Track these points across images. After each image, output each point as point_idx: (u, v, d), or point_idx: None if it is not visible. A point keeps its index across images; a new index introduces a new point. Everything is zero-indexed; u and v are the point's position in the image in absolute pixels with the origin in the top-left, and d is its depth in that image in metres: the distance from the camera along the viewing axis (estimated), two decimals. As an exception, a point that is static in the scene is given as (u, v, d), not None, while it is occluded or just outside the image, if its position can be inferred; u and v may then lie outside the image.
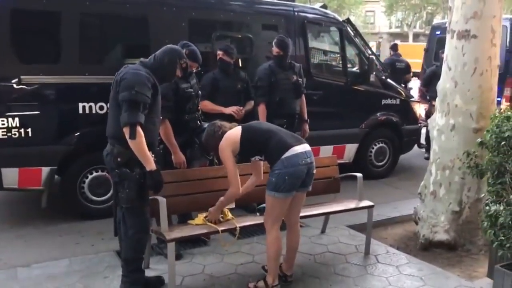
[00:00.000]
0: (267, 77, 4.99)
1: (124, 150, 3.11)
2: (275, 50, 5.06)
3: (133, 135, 3.01)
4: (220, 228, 3.51)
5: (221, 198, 3.52)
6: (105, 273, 3.69)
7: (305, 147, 3.36)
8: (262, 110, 5.00)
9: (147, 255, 3.77)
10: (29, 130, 4.57)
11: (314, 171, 3.43)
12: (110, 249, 4.07)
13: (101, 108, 4.83)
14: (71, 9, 4.71)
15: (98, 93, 4.82)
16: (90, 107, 4.80)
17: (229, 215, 3.69)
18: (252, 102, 5.10)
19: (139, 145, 3.05)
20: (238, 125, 3.52)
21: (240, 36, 5.74)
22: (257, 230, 4.48)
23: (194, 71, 4.31)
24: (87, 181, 4.95)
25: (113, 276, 3.59)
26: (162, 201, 3.36)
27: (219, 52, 4.94)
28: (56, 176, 4.85)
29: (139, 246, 3.28)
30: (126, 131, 3.03)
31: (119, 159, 3.13)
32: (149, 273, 3.63)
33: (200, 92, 4.39)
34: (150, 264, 3.81)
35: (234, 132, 3.39)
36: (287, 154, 3.25)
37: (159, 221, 3.41)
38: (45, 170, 4.70)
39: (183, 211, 4.01)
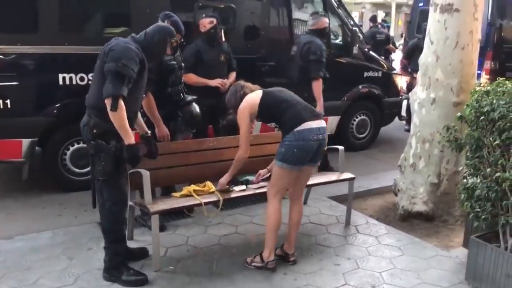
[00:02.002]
0: (324, 52, 5.25)
1: (101, 122, 3.09)
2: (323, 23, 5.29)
3: (114, 107, 2.96)
4: (203, 200, 3.54)
5: (233, 165, 3.54)
6: (89, 245, 3.71)
7: (320, 123, 3.37)
8: (319, 85, 5.18)
9: (131, 227, 3.80)
10: (8, 101, 4.49)
11: (325, 148, 3.46)
12: (93, 220, 4.07)
13: (82, 79, 4.76)
14: None
15: (79, 63, 4.74)
16: (71, 78, 4.73)
17: (212, 187, 3.71)
18: (235, 74, 5.06)
19: (120, 117, 3.01)
20: (261, 88, 3.52)
21: (222, 6, 5.65)
22: (240, 202, 4.55)
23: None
24: (68, 152, 4.91)
25: (97, 247, 3.61)
26: (146, 174, 3.37)
27: (204, 21, 4.84)
28: (37, 148, 4.80)
29: (117, 217, 3.26)
30: (108, 102, 2.99)
31: (95, 131, 3.09)
32: (133, 244, 3.67)
33: (183, 64, 4.33)
34: (134, 236, 3.85)
35: (254, 96, 3.42)
36: (300, 127, 3.27)
37: (143, 193, 3.43)
38: (26, 142, 4.64)
39: (167, 184, 4.02)
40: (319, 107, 5.15)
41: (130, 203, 3.63)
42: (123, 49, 3.06)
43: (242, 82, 3.58)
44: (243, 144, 3.45)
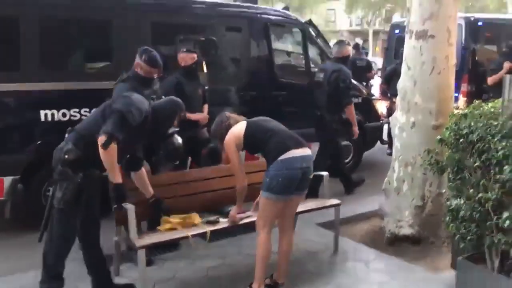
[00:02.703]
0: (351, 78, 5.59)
1: (75, 150, 3.08)
2: (347, 51, 5.69)
3: (106, 146, 3.00)
4: (190, 233, 3.51)
5: (237, 197, 3.58)
6: (75, 284, 3.62)
7: (304, 151, 3.39)
8: (352, 109, 5.59)
9: (117, 263, 3.74)
10: (-11, 139, 4.45)
11: (311, 176, 3.47)
12: (78, 258, 3.99)
13: (64, 115, 4.74)
14: (30, 14, 4.59)
15: (61, 99, 4.73)
16: (53, 114, 4.71)
17: (198, 219, 3.69)
18: (207, 106, 5.09)
19: (110, 156, 3.05)
20: (245, 119, 3.57)
21: (203, 39, 5.73)
22: (228, 233, 4.51)
23: (156, 77, 4.27)
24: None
25: (83, 286, 3.53)
26: (131, 208, 3.34)
27: (186, 56, 4.86)
28: (19, 185, 4.74)
29: (61, 251, 3.19)
30: (102, 139, 3.01)
31: (66, 156, 3.07)
32: (120, 280, 3.61)
33: (163, 97, 4.34)
34: (120, 271, 3.78)
35: (239, 127, 3.46)
36: (285, 156, 3.28)
37: (128, 228, 3.39)
38: (7, 180, 4.58)
39: (152, 217, 3.98)
40: (355, 129, 5.72)
41: (115, 238, 3.59)
42: (136, 98, 3.18)
43: (227, 113, 3.62)
44: (238, 174, 3.47)
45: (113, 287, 3.47)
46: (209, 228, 3.58)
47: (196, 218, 3.70)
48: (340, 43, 6.03)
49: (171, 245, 4.18)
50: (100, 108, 3.31)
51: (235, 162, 3.44)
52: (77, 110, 4.83)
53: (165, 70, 4.40)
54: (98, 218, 3.40)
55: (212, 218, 3.76)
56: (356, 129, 5.78)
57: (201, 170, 4.18)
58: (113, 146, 3.03)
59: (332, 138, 5.82)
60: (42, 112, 4.68)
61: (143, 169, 3.50)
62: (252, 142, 3.45)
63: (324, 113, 5.70)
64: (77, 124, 3.35)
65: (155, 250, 4.14)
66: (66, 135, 3.23)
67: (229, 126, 3.50)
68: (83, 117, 4.76)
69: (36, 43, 4.62)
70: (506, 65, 6.97)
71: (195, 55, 4.88)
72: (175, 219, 3.63)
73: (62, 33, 4.97)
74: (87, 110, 4.84)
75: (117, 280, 3.57)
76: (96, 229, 3.41)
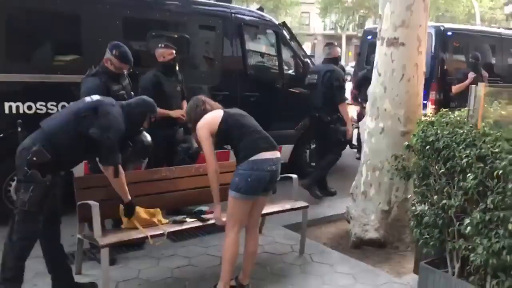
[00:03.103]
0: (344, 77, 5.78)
1: (44, 154, 2.98)
2: (337, 52, 6.02)
3: (117, 175, 3.23)
4: (149, 234, 3.45)
5: (211, 185, 3.38)
6: (34, 281, 3.53)
7: (274, 154, 3.38)
8: (345, 108, 5.73)
9: (79, 261, 3.66)
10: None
11: (278, 178, 3.46)
12: (38, 255, 3.88)
13: (29, 108, 4.61)
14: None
15: (26, 92, 4.60)
16: (17, 107, 4.57)
17: (161, 218, 3.65)
18: (185, 103, 5.04)
19: (121, 182, 3.32)
20: (221, 107, 3.51)
21: (176, 36, 5.67)
22: (193, 233, 4.48)
23: (126, 72, 4.21)
24: (14, 184, 4.70)
25: (43, 283, 3.44)
26: (95, 205, 3.28)
27: (165, 52, 4.78)
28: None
29: (22, 253, 3.08)
30: (110, 171, 3.21)
31: (34, 158, 2.97)
32: (82, 279, 3.53)
33: (133, 93, 4.28)
34: (82, 270, 3.69)
35: (215, 115, 3.40)
36: (255, 157, 3.26)
37: (92, 226, 3.32)
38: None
39: (117, 216, 3.90)
40: (349, 128, 5.82)
41: (78, 236, 3.52)
42: (114, 121, 3.16)
43: (202, 97, 3.56)
44: (209, 159, 3.35)
45: (74, 285, 3.38)
46: (169, 229, 3.55)
47: (159, 215, 3.65)
48: (330, 45, 6.19)
49: (136, 244, 4.12)
50: (72, 110, 3.23)
51: (207, 147, 3.34)
52: (43, 103, 4.70)
53: (136, 66, 4.36)
54: (60, 215, 3.32)
55: (179, 217, 3.72)
56: (350, 128, 5.90)
57: (170, 169, 4.12)
58: (121, 171, 3.27)
59: (333, 139, 5.89)
60: (6, 104, 4.54)
61: (122, 174, 3.34)
62: (225, 135, 3.39)
63: (322, 114, 5.76)
64: (43, 121, 3.23)
65: (119, 249, 4.07)
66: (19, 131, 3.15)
67: (205, 111, 3.43)
68: (49, 111, 4.65)
69: (2, 34, 4.48)
70: (471, 75, 7.16)
71: (174, 51, 4.82)
72: (141, 215, 3.57)
73: (30, 25, 4.81)
74: (54, 103, 4.73)
75: (79, 278, 3.49)
76: (57, 226, 3.33)
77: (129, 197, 3.43)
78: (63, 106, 4.72)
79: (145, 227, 3.53)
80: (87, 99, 3.30)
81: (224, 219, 3.43)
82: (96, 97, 3.31)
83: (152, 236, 3.45)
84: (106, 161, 3.23)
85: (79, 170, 4.26)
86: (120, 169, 3.26)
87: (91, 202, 3.27)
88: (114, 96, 3.95)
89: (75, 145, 3.10)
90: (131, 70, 4.26)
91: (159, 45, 4.85)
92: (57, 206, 3.26)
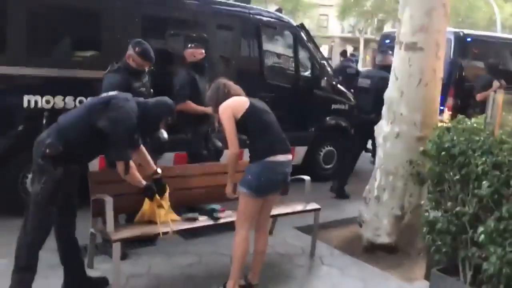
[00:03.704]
0: None
1: (57, 146, 3.03)
2: (390, 60, 5.64)
3: (127, 171, 3.19)
4: (161, 230, 3.47)
5: (229, 166, 3.44)
6: (46, 273, 3.56)
7: (288, 157, 3.42)
8: None
9: (91, 255, 3.70)
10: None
11: (289, 180, 3.48)
12: (50, 247, 3.93)
13: (48, 102, 4.67)
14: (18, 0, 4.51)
15: (45, 86, 4.67)
16: (36, 101, 4.64)
17: (172, 215, 3.66)
18: None
19: (133, 176, 3.30)
20: (244, 94, 3.51)
21: (194, 35, 5.69)
22: (205, 231, 4.49)
23: (147, 70, 4.25)
24: (30, 175, 4.77)
25: (54, 275, 3.48)
26: (109, 200, 3.31)
27: (196, 51, 4.82)
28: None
29: (34, 243, 3.13)
30: (121, 166, 3.17)
31: (47, 151, 3.02)
32: (93, 273, 3.57)
33: (151, 90, 4.31)
34: (94, 263, 3.73)
35: (241, 102, 3.39)
36: (271, 158, 3.28)
37: (105, 220, 3.35)
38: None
39: (131, 210, 3.94)
40: None
41: (91, 230, 3.55)
42: (125, 115, 3.12)
43: (224, 80, 3.55)
44: (231, 141, 3.33)
45: (85, 279, 3.43)
46: (181, 226, 3.58)
47: (173, 215, 3.67)
48: (383, 52, 6.35)
49: (148, 240, 4.15)
50: (86, 105, 3.29)
51: (230, 128, 3.31)
52: (61, 97, 4.77)
53: (155, 64, 4.40)
54: (75, 209, 3.36)
55: (191, 215, 3.74)
56: None
57: (183, 167, 4.15)
58: (132, 166, 3.24)
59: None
60: (26, 98, 4.61)
61: (142, 147, 3.47)
62: (245, 126, 3.36)
63: (374, 118, 5.79)
64: (60, 115, 3.29)
65: (131, 244, 4.11)
66: (44, 123, 3.20)
67: (228, 94, 3.41)
68: (66, 107, 4.71)
69: (23, 28, 4.55)
70: (496, 83, 7.05)
71: (203, 50, 4.85)
72: (163, 204, 3.59)
73: (51, 21, 4.86)
74: (72, 98, 4.79)
75: (90, 272, 3.52)
76: (73, 220, 3.37)
77: (144, 182, 3.40)
78: (80, 101, 4.78)
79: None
80: (103, 94, 3.34)
81: (235, 195, 3.48)
82: (112, 93, 3.33)
83: (164, 233, 3.48)
84: (115, 156, 3.19)
85: (94, 164, 4.30)
86: (131, 164, 3.23)
87: (105, 197, 3.31)
88: (135, 93, 3.98)
89: (88, 139, 3.13)
90: (152, 68, 4.30)
91: (189, 45, 4.88)
92: (73, 199, 3.31)
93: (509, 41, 9.43)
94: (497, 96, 3.26)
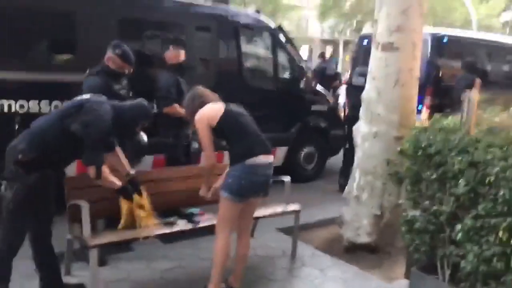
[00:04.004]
0: None
1: (30, 151, 2.96)
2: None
3: (99, 175, 3.09)
4: (140, 235, 3.44)
5: (204, 174, 3.52)
6: (21, 281, 3.49)
7: (269, 158, 3.39)
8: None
9: (69, 261, 3.63)
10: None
11: (271, 182, 3.45)
12: (26, 255, 3.85)
13: (22, 106, 4.58)
14: None
15: (19, 90, 4.57)
16: (10, 105, 4.54)
17: (152, 219, 3.62)
18: None
19: (105, 179, 3.19)
20: (220, 100, 3.48)
21: (172, 37, 5.65)
22: (185, 235, 4.45)
23: (127, 72, 4.21)
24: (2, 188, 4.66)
25: (29, 285, 3.40)
26: (85, 205, 3.25)
27: (178, 53, 4.79)
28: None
29: (8, 252, 3.06)
30: (92, 171, 3.07)
31: (20, 156, 2.95)
32: (70, 280, 3.50)
33: (131, 93, 4.28)
34: (73, 270, 3.66)
35: (216, 109, 3.36)
36: (251, 161, 3.25)
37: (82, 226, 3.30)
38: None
39: (108, 215, 3.88)
40: None
41: (68, 236, 3.49)
42: (98, 118, 3.05)
43: (200, 88, 3.53)
44: (207, 151, 3.35)
45: (61, 286, 3.36)
46: (160, 231, 3.54)
47: (153, 219, 3.62)
48: None
49: (127, 245, 4.10)
50: (59, 110, 3.27)
51: (205, 139, 3.31)
52: (36, 102, 4.68)
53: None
54: (52, 215, 3.29)
55: (170, 219, 3.70)
56: None
57: (162, 171, 4.11)
58: (104, 171, 3.13)
59: None
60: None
61: (116, 148, 3.43)
62: (222, 132, 3.36)
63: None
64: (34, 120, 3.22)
65: (110, 250, 4.04)
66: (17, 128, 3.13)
67: (203, 104, 3.39)
68: (42, 111, 4.62)
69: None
70: (478, 81, 7.12)
71: (184, 52, 4.83)
72: (144, 203, 3.55)
73: (25, 23, 4.77)
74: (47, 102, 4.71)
75: (68, 279, 3.46)
76: (49, 226, 3.30)
77: (119, 183, 3.34)
78: (56, 106, 4.69)
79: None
80: (77, 98, 3.28)
81: (209, 196, 3.51)
82: (86, 96, 3.28)
83: (143, 238, 3.43)
84: (87, 160, 3.08)
85: (71, 170, 4.23)
86: (104, 169, 3.14)
87: (81, 202, 3.25)
88: (115, 95, 3.95)
89: (62, 143, 3.06)
90: (132, 70, 4.26)
91: (171, 46, 4.85)
92: (49, 205, 3.24)
93: (485, 41, 9.58)
94: (472, 95, 3.29)
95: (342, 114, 7.99)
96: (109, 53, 3.99)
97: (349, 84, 7.94)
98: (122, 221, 3.50)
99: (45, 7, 4.71)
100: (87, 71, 4.04)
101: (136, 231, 3.45)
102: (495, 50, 9.27)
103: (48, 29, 4.89)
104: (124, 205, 3.47)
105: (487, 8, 31.59)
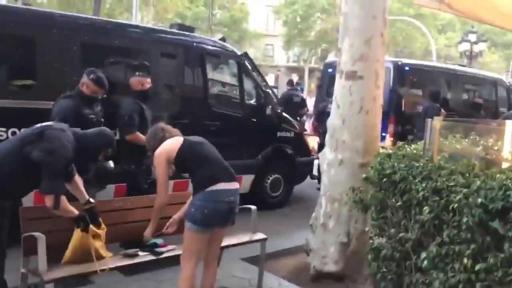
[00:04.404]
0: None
1: None
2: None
3: (57, 205, 3.00)
4: (98, 268, 3.28)
5: (153, 213, 3.46)
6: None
7: (233, 185, 3.32)
8: None
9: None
10: None
11: (237, 210, 3.38)
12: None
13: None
14: None
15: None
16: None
17: (105, 252, 3.48)
18: None
19: (63, 210, 3.09)
20: (181, 135, 3.45)
21: (136, 63, 5.59)
22: (148, 266, 4.30)
23: (100, 97, 4.19)
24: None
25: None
26: (41, 237, 3.09)
27: (143, 80, 4.78)
28: None
29: None
30: (50, 199, 2.97)
31: None
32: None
33: (102, 119, 4.23)
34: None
35: (174, 142, 3.33)
36: (212, 188, 3.18)
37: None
38: None
39: (65, 248, 3.71)
40: None
41: (22, 270, 3.30)
42: (59, 146, 2.98)
43: (162, 125, 3.52)
44: (160, 190, 3.33)
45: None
46: (120, 263, 3.41)
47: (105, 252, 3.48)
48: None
49: (85, 279, 3.91)
50: (18, 137, 3.16)
51: (161, 176, 3.29)
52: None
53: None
54: (5, 248, 3.13)
55: (131, 251, 3.56)
56: None
57: (123, 200, 3.97)
58: (62, 199, 3.03)
59: None
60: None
61: (76, 177, 3.35)
62: (183, 164, 3.34)
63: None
64: None
65: (68, 284, 3.85)
66: None
67: (163, 139, 3.38)
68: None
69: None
70: (443, 113, 7.31)
71: (150, 79, 4.82)
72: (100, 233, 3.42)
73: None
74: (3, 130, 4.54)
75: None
76: (2, 260, 3.13)
77: (76, 212, 3.23)
78: (13, 133, 4.52)
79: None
80: (37, 125, 3.17)
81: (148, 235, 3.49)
82: (46, 123, 3.18)
83: (101, 270, 3.28)
84: (45, 189, 2.98)
85: (29, 200, 4.05)
86: (62, 198, 3.04)
87: (36, 234, 3.09)
88: (84, 119, 3.94)
89: (20, 172, 2.94)
90: (105, 95, 4.25)
91: (136, 73, 4.84)
92: (2, 238, 3.07)
93: (444, 70, 9.93)
94: (434, 122, 3.34)
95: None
96: (84, 78, 4.11)
97: (322, 112, 8.02)
98: (68, 254, 3.34)
99: (3, 32, 4.57)
100: (61, 95, 4.09)
101: (95, 263, 3.29)
102: (453, 78, 9.62)
103: (7, 54, 4.76)
104: (75, 235, 3.33)
105: (445, 39, 32.91)
